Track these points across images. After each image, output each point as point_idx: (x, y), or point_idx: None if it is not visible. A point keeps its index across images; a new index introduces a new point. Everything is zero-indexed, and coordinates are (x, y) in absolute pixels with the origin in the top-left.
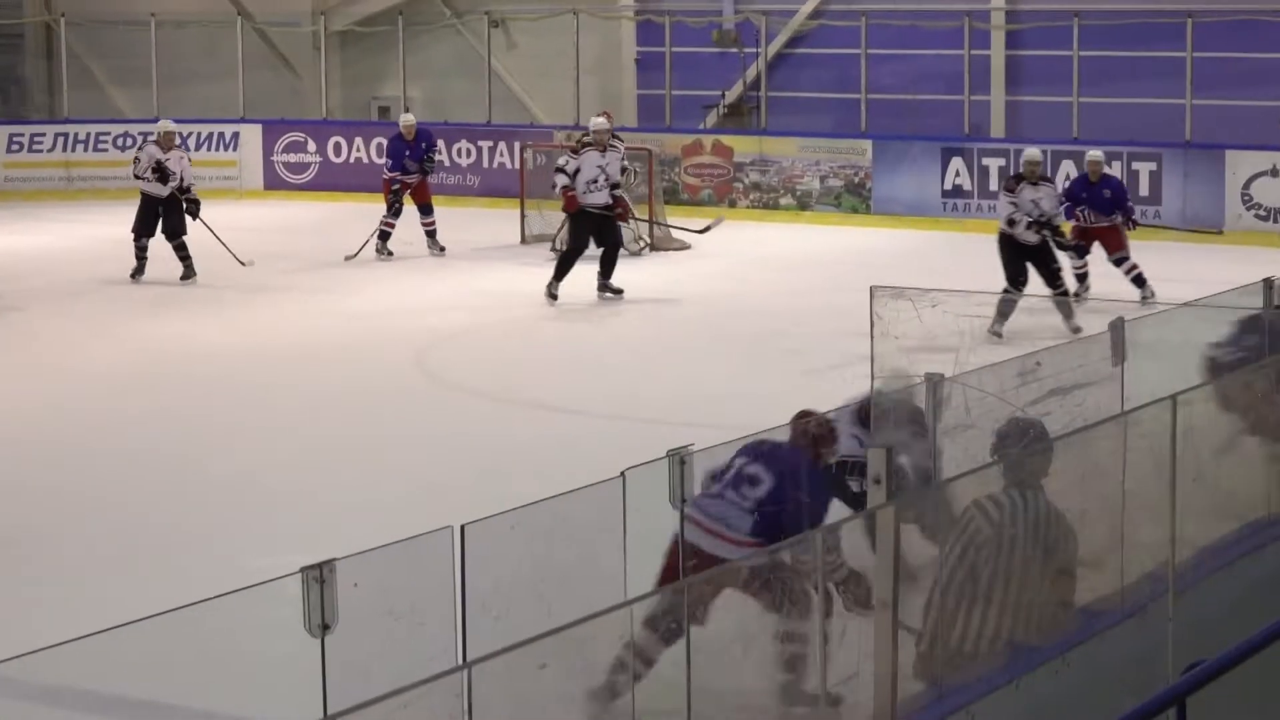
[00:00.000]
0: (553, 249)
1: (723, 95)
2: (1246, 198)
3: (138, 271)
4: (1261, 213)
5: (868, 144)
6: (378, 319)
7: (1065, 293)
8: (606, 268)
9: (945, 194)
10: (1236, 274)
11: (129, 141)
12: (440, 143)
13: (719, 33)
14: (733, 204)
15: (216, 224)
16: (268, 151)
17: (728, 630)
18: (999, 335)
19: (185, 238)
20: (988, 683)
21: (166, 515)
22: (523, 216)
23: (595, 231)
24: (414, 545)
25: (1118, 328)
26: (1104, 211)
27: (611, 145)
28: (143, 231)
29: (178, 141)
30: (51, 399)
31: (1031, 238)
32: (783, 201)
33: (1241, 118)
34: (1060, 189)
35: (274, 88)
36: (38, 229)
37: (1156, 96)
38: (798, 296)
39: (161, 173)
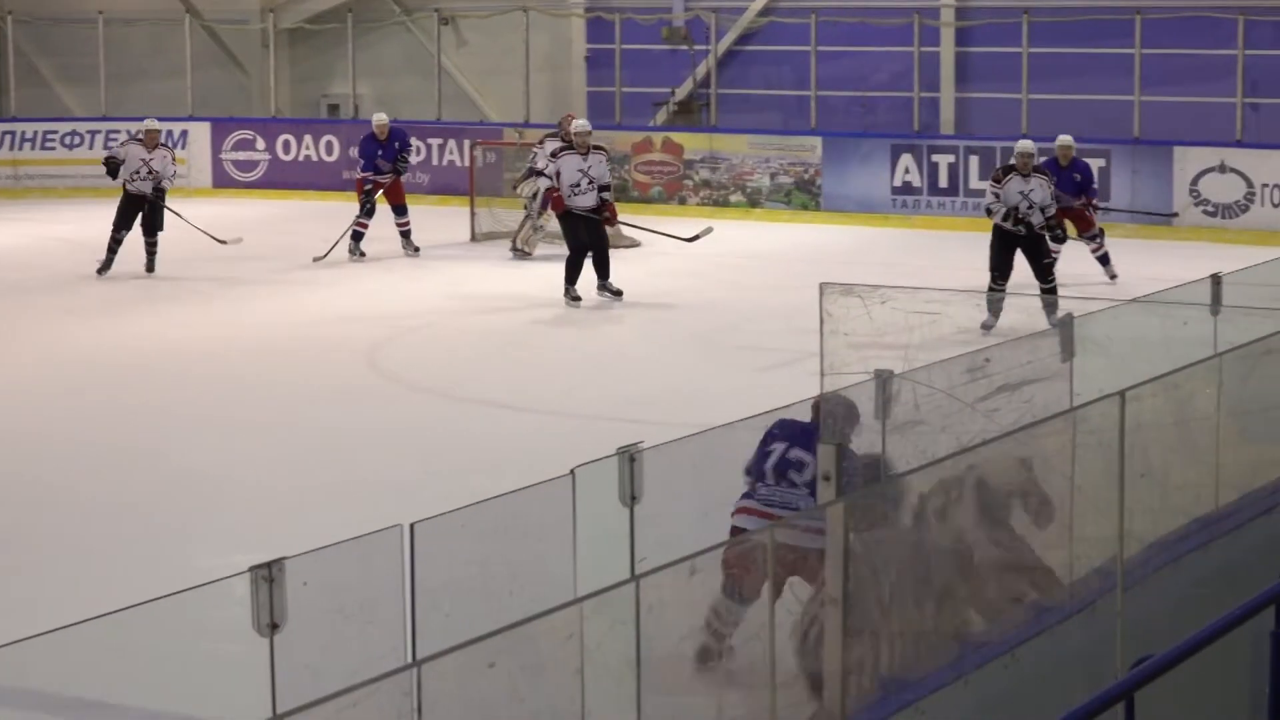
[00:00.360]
0: (513, 248)
1: (672, 92)
2: (1195, 193)
3: (106, 266)
4: (1210, 208)
5: (817, 141)
6: (330, 318)
7: (1054, 289)
8: (601, 269)
9: (895, 190)
10: (1185, 270)
11: (76, 140)
12: (416, 142)
13: (669, 30)
14: (683, 201)
15: (166, 223)
16: (216, 149)
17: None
18: (988, 329)
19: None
20: (937, 679)
21: (116, 512)
22: (473, 214)
23: (585, 233)
24: (363, 543)
25: (1066, 324)
26: (1073, 194)
27: (595, 148)
28: (122, 225)
29: (162, 139)
30: (5, 394)
31: (1015, 229)
32: (733, 199)
33: (1189, 114)
34: None
35: (223, 85)
36: None
37: (1105, 93)
38: (748, 293)
39: (152, 173)
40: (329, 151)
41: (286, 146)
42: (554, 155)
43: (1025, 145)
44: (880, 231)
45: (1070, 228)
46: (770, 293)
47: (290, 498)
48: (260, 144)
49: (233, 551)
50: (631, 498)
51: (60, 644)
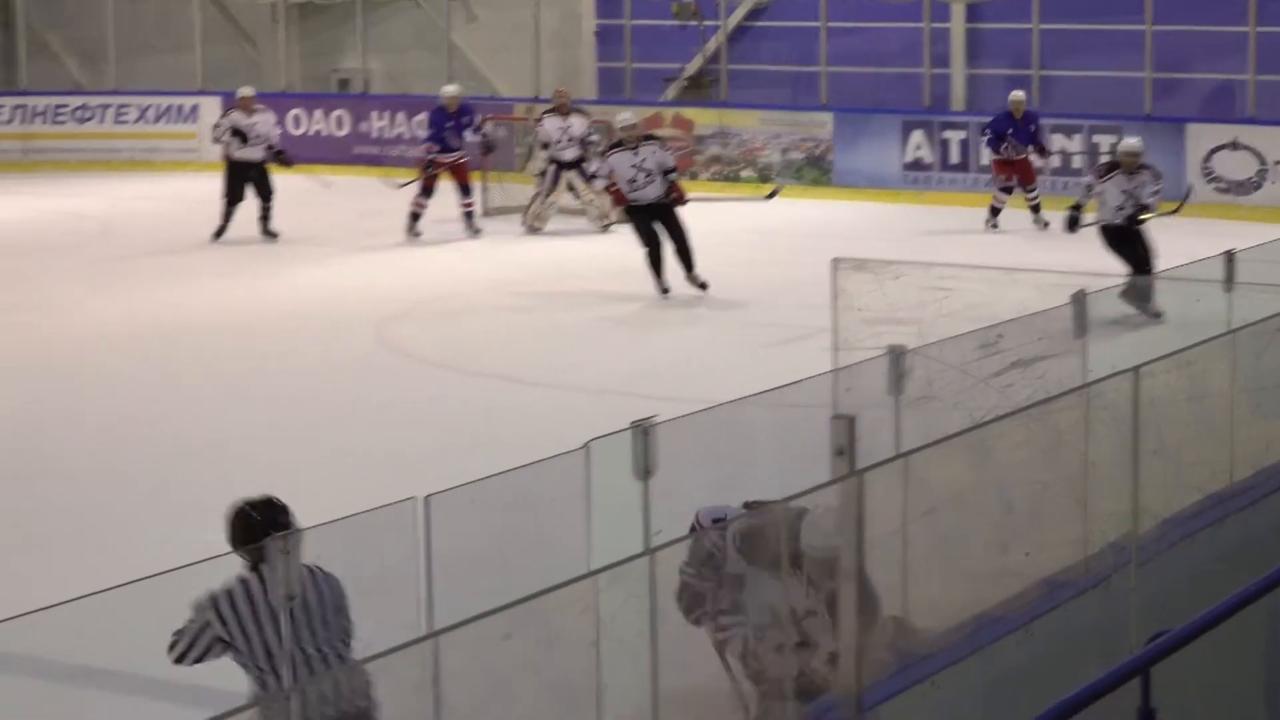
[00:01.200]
0: (524, 224)
1: (683, 68)
2: (1207, 170)
3: (220, 231)
4: (1222, 185)
5: (828, 117)
6: (340, 293)
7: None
8: (685, 260)
9: (906, 167)
10: (1198, 247)
11: (87, 114)
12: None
13: (679, 5)
14: (693, 176)
15: (177, 196)
16: None
17: None
18: (1157, 315)
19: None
20: (951, 654)
21: (131, 483)
22: (484, 189)
23: (658, 224)
24: (378, 516)
25: (1079, 300)
26: (1025, 144)
27: (647, 139)
28: (236, 198)
29: (258, 105)
30: (19, 367)
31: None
32: (743, 174)
33: (1202, 91)
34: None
35: (233, 60)
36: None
37: (1117, 69)
38: (758, 269)
39: (241, 136)
40: (339, 126)
41: (297, 121)
42: (604, 155)
43: (1132, 144)
44: (892, 207)
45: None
46: (781, 268)
47: (303, 471)
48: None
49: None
50: (646, 471)
51: (78, 614)
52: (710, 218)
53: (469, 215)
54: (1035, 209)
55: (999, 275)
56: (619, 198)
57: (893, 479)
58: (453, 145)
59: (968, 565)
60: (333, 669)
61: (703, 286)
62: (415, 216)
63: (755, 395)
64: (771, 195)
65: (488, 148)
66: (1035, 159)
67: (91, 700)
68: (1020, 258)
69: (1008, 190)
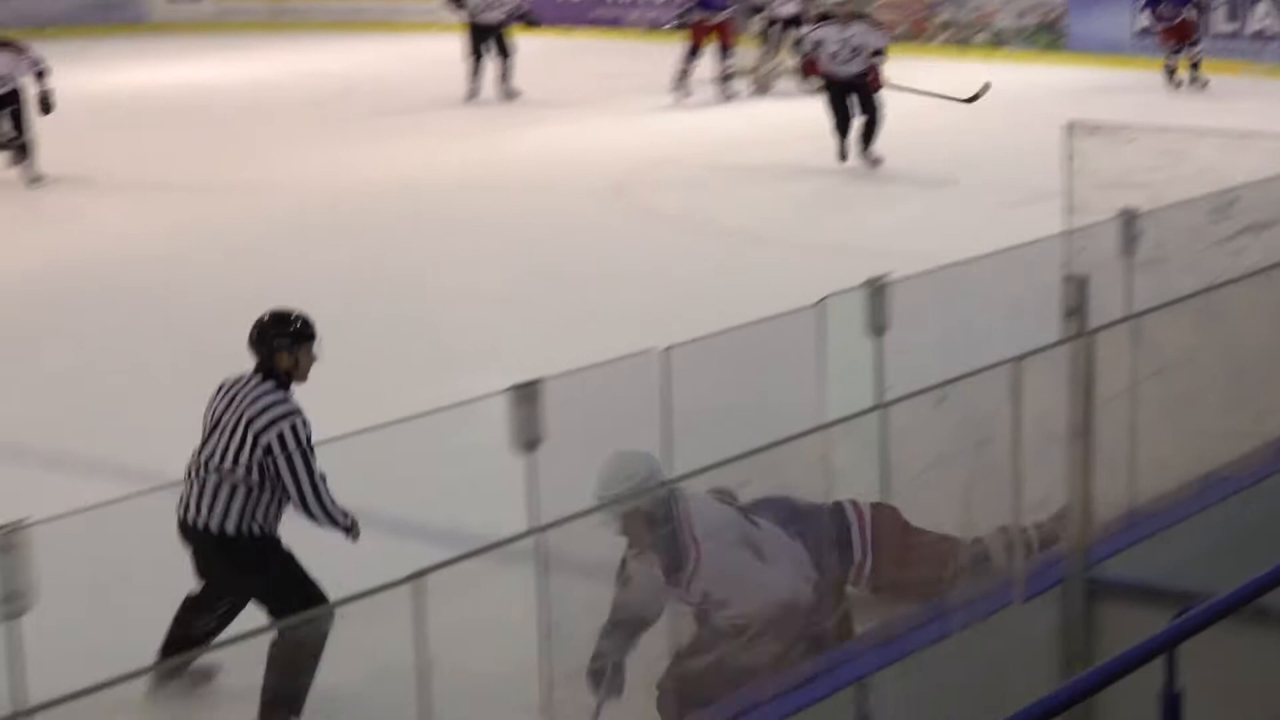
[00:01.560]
0: (752, 85)
1: None
2: None
3: (472, 94)
4: None
5: None
6: (580, 152)
7: None
8: (867, 135)
9: (1137, 34)
10: None
11: None
12: None
13: None
14: (927, 41)
15: (419, 57)
16: None
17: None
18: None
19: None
20: (1178, 511)
21: (385, 334)
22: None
23: (852, 98)
24: (620, 366)
25: None
26: (1180, 4)
27: (858, 16)
28: (478, 57)
29: None
30: (263, 222)
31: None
32: (976, 39)
33: None
34: None
35: None
36: (247, 58)
37: None
38: (992, 133)
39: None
40: None
41: None
42: (816, 24)
43: None
44: (1124, 73)
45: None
46: (1014, 132)
47: (546, 325)
48: None
49: (493, 373)
50: (879, 328)
51: (335, 454)
52: (938, 83)
53: (728, 77)
54: (1195, 66)
55: (1232, 140)
56: (811, 68)
57: (1122, 340)
58: (716, 5)
59: (1196, 425)
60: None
61: (876, 162)
62: (684, 74)
63: (987, 256)
64: (975, 98)
65: (756, 6)
66: (1191, 15)
67: None
68: (1249, 123)
69: (1177, 52)
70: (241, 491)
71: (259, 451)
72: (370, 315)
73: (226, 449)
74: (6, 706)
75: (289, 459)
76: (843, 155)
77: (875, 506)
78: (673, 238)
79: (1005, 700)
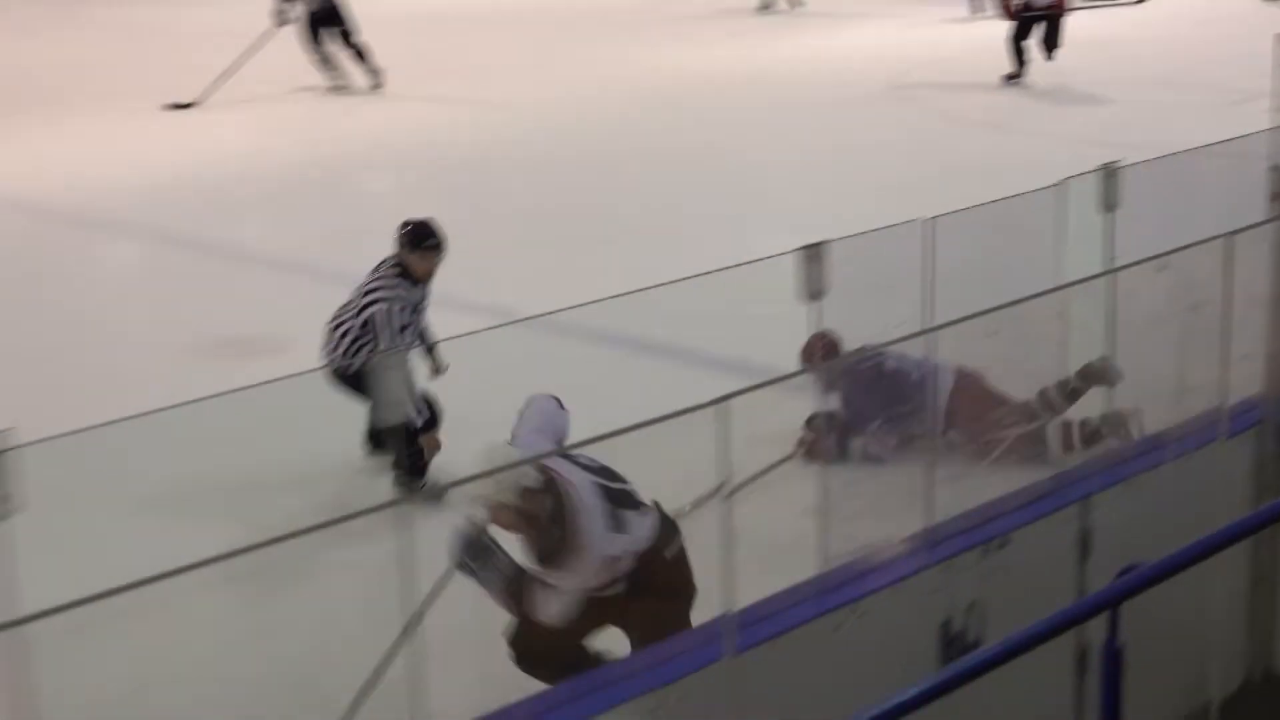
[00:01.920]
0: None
1: None
2: None
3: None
4: None
5: None
6: (861, 51)
7: None
8: (1049, 47)
9: None
10: None
11: None
12: None
13: None
14: None
15: None
16: None
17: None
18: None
19: None
20: None
21: (693, 200)
22: None
23: (1039, 27)
24: (893, 231)
25: None
26: None
27: None
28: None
29: None
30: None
31: None
32: None
33: None
34: None
35: None
36: None
37: None
38: (1202, 40)
39: None
40: None
41: None
42: None
43: None
44: None
45: None
46: (1224, 41)
47: (830, 193)
48: None
49: (783, 234)
50: (1111, 205)
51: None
52: None
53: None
54: None
55: None
56: (1007, 7)
57: None
58: None
59: None
60: None
61: (1036, 62)
62: None
63: (1204, 146)
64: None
65: None
66: None
67: None
68: None
69: None
70: (351, 335)
71: (364, 314)
72: (707, 185)
73: (350, 305)
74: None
75: (375, 330)
76: (1013, 76)
77: (959, 371)
78: (933, 124)
79: (1203, 522)
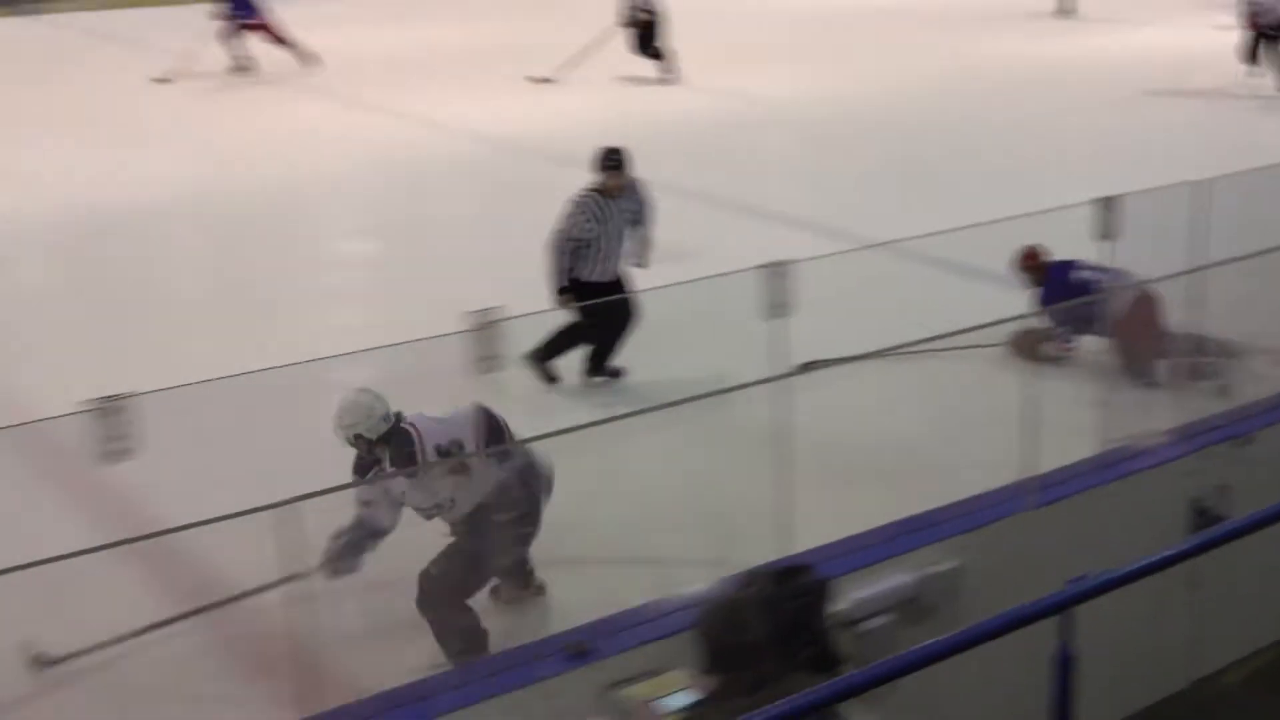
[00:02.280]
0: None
1: None
2: None
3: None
4: None
5: None
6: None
7: None
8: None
9: None
10: None
11: None
12: None
13: None
14: None
15: None
16: None
17: None
18: None
19: None
20: None
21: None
22: None
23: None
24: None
25: None
26: None
27: None
28: None
29: None
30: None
31: None
32: None
33: None
34: None
35: None
36: None
37: None
38: None
39: None
40: None
41: None
42: None
43: None
44: None
45: None
46: None
47: (1125, 154)
48: None
49: (1080, 189)
50: None
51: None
52: None
53: None
54: None
55: None
56: (1255, 24)
57: None
58: None
59: None
60: None
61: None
62: None
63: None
64: None
65: None
66: None
67: None
68: None
69: None
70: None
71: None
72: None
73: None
74: None
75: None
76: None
77: (1141, 292)
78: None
79: None
